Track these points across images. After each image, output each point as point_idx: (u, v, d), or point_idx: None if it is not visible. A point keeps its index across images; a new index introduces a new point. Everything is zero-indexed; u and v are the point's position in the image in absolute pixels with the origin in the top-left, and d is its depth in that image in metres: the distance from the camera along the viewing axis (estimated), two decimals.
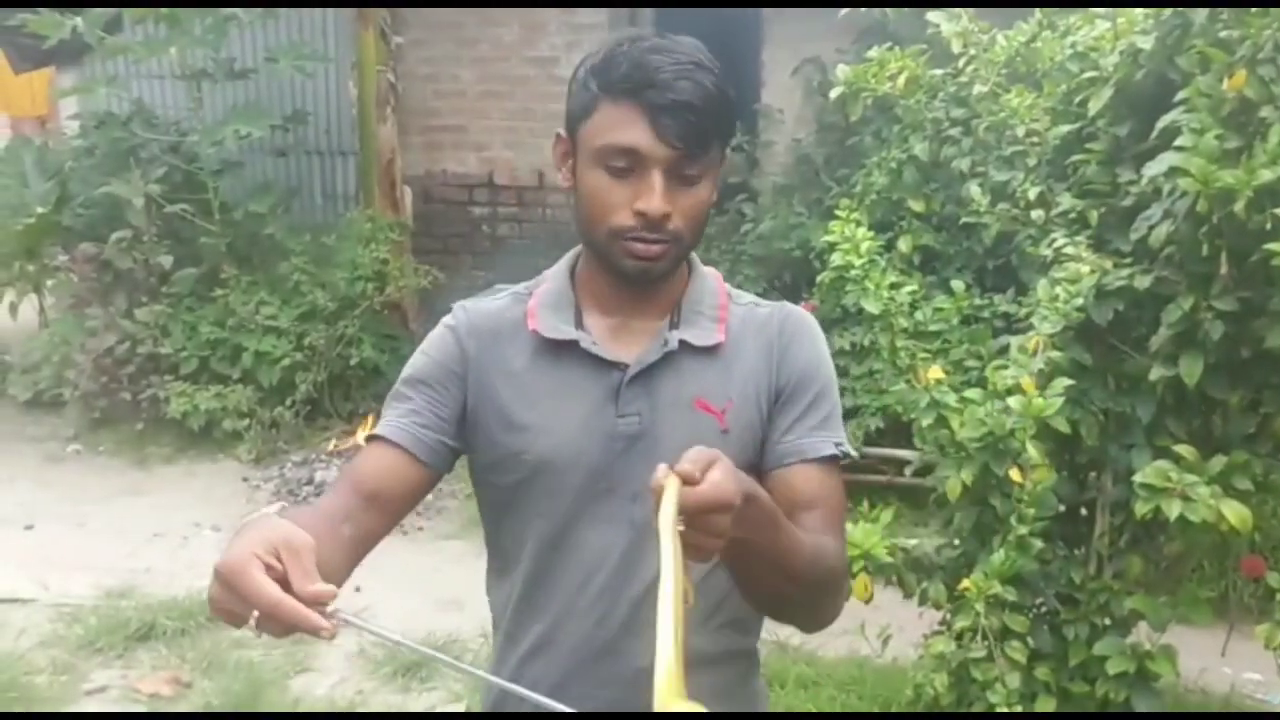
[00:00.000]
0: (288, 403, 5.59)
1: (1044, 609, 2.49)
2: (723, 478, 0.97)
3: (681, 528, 0.94)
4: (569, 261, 1.37)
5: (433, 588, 4.06)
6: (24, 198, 6.11)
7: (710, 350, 1.30)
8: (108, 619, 3.76)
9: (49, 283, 6.40)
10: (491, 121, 6.73)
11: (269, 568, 0.94)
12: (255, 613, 0.93)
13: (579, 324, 1.31)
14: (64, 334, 5.91)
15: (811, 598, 1.22)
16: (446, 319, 1.36)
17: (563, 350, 1.29)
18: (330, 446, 5.36)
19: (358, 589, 4.01)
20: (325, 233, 6.24)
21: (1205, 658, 3.24)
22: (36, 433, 5.81)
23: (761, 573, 1.14)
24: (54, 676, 3.45)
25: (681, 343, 1.28)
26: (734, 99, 1.24)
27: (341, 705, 3.32)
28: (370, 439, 1.29)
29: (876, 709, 3.13)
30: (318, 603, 0.94)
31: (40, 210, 5.93)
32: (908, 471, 2.81)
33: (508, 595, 1.35)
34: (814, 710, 3.17)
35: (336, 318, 5.79)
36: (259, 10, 5.71)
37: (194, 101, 5.88)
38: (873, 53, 2.90)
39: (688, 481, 0.95)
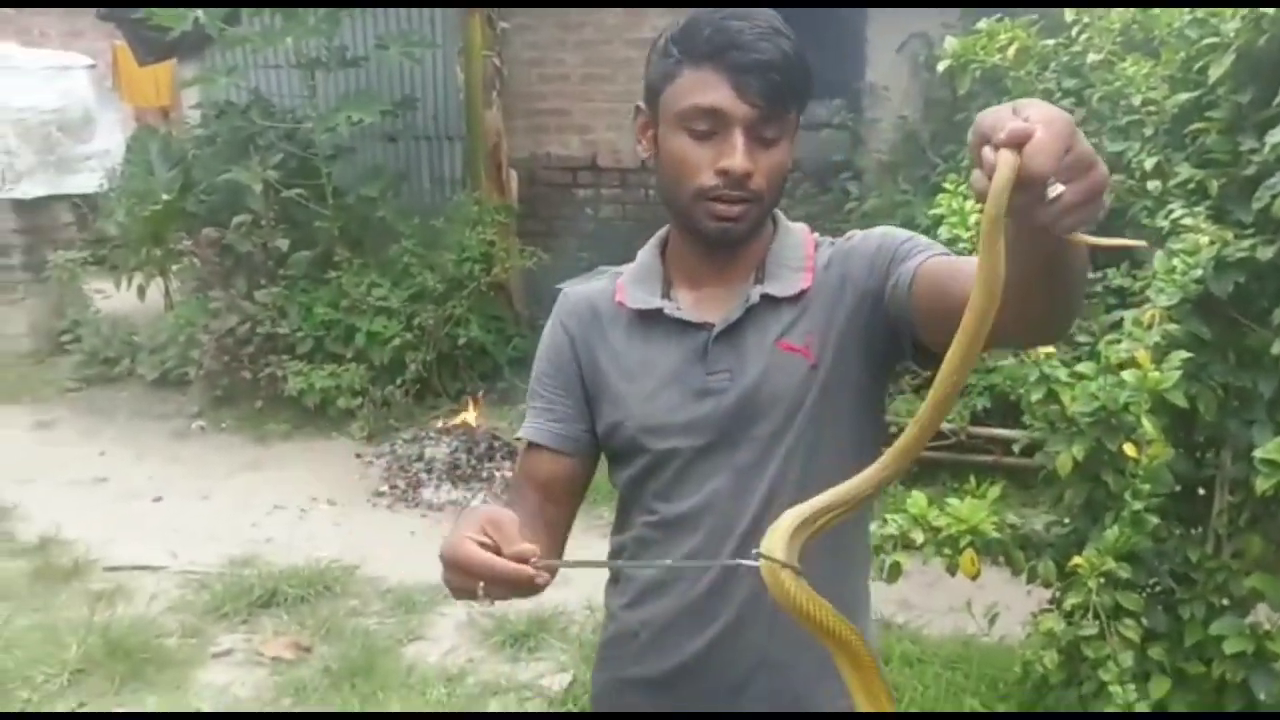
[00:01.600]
0: (398, 381, 5.75)
1: (1158, 588, 2.44)
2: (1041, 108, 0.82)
3: (1059, 189, 0.81)
4: (659, 238, 1.42)
5: None
6: (150, 185, 6.39)
7: (794, 298, 1.31)
8: (232, 586, 3.93)
9: (174, 266, 6.68)
10: (595, 104, 6.78)
11: (481, 544, 1.08)
12: (481, 583, 1.06)
13: (666, 295, 1.36)
14: (188, 315, 6.18)
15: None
16: (554, 308, 1.44)
17: (650, 320, 1.35)
18: (439, 424, 5.48)
19: None
20: (434, 216, 6.39)
21: None
22: (164, 410, 6.09)
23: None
24: (183, 639, 3.63)
25: (764, 296, 1.31)
26: (810, 65, 1.26)
27: (452, 672, 3.42)
28: (522, 442, 1.43)
29: (984, 688, 3.10)
30: (522, 560, 1.07)
31: (165, 197, 6.20)
32: (1015, 450, 2.77)
33: (622, 543, 1.42)
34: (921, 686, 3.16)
35: (445, 299, 5.93)
36: None
37: (308, 89, 6.07)
38: (982, 24, 2.86)
39: (1018, 143, 0.79)
